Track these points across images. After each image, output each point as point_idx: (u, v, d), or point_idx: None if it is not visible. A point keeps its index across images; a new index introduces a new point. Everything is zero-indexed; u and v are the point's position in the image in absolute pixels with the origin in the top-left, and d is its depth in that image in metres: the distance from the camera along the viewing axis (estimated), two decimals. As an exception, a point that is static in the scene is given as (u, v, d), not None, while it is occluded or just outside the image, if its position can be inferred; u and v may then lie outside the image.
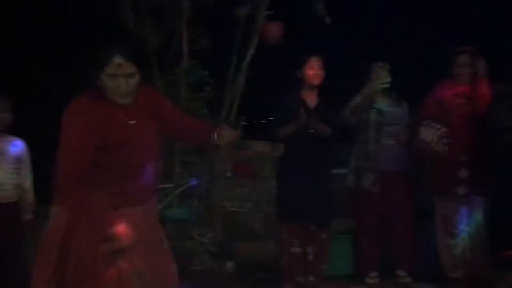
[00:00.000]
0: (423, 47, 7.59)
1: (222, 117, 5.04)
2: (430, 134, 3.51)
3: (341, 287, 3.71)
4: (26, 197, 3.08)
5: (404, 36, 7.69)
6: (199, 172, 4.84)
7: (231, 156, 4.84)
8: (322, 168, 3.57)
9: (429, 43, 7.34)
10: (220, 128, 2.20)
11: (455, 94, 3.64)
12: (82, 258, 1.95)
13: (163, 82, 4.63)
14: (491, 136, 3.68)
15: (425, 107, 3.69)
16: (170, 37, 4.86)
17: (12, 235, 3.01)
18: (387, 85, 3.72)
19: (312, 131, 3.45)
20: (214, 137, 2.17)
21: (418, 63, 7.60)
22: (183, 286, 3.62)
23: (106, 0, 4.63)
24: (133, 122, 2.02)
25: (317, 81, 3.56)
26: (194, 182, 4.63)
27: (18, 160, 3.04)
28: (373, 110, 3.79)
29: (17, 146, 3.06)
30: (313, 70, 3.54)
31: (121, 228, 1.93)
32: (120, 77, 1.93)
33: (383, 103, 3.85)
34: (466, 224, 3.62)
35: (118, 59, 1.91)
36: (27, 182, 3.09)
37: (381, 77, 3.67)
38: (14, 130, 3.11)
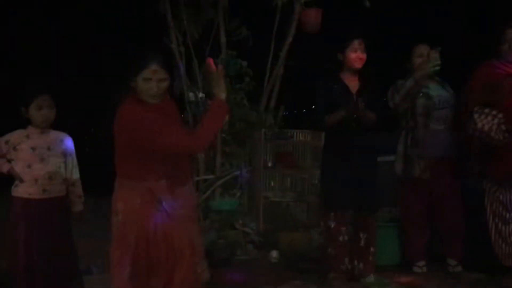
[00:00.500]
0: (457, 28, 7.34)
1: (261, 107, 5.04)
2: (487, 122, 3.30)
3: (389, 277, 3.63)
4: (74, 190, 3.16)
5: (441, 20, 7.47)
6: (241, 163, 4.85)
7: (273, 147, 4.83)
8: (367, 155, 3.48)
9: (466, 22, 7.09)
10: None
11: (509, 74, 3.40)
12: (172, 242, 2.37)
13: (202, 74, 4.65)
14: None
15: (472, 91, 3.47)
16: (208, 28, 4.87)
17: (62, 228, 3.09)
18: (438, 68, 3.57)
19: (355, 116, 3.37)
20: None
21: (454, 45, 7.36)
22: (228, 276, 3.67)
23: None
24: (167, 120, 2.38)
25: (359, 64, 3.47)
26: (239, 173, 4.65)
27: (65, 154, 3.11)
28: (421, 94, 3.67)
29: (64, 141, 3.13)
30: (356, 53, 3.45)
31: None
32: (153, 81, 2.34)
33: (430, 87, 3.73)
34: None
35: (154, 66, 2.33)
36: (75, 175, 3.16)
37: (433, 59, 3.54)
38: (59, 126, 3.18)
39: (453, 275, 3.67)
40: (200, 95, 4.55)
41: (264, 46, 4.98)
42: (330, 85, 3.48)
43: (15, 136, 3.02)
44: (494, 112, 3.29)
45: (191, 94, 4.62)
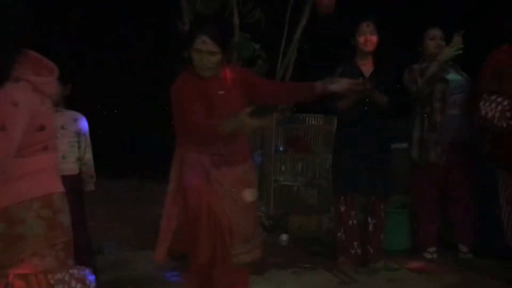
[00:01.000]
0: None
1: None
2: (490, 109, 3.27)
3: (398, 262, 3.63)
4: (86, 169, 3.18)
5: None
6: (252, 147, 4.84)
7: (284, 131, 4.81)
8: (379, 140, 3.46)
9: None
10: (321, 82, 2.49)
11: None
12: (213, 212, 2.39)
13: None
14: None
15: (482, 78, 3.43)
16: (221, 10, 4.83)
17: (75, 207, 3.11)
18: (460, 52, 3.52)
19: (367, 99, 3.34)
20: (326, 86, 2.47)
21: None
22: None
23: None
24: (222, 92, 2.40)
25: (369, 47, 3.42)
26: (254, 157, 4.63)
27: (78, 133, 3.13)
28: None
29: (77, 120, 3.14)
30: (365, 36, 3.41)
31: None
32: (203, 53, 2.34)
33: (448, 72, 3.69)
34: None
35: (204, 37, 2.33)
36: (88, 155, 3.18)
37: (456, 43, 3.48)
38: (73, 105, 3.20)
39: (463, 262, 3.65)
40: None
41: (277, 29, 4.94)
42: (343, 71, 3.45)
43: None
44: (499, 99, 3.24)
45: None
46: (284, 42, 4.92)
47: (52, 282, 1.59)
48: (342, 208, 3.50)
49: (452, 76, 3.72)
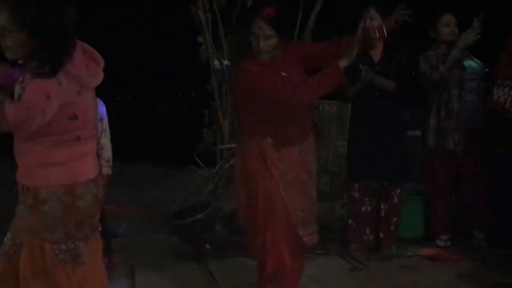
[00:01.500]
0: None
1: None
2: (503, 94, 3.25)
3: (411, 249, 3.62)
4: (103, 153, 3.20)
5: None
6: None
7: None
8: (393, 126, 3.45)
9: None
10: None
11: None
12: (269, 192, 2.45)
13: (228, 41, 4.61)
14: None
15: (499, 64, 3.41)
16: (235, -4, 4.79)
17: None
18: (479, 37, 3.47)
19: (375, 85, 3.35)
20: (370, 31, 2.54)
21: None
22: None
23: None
24: (284, 74, 2.44)
25: (374, 34, 3.39)
26: None
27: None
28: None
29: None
30: (370, 22, 3.37)
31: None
32: (260, 37, 2.43)
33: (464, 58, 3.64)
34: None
35: (259, 22, 2.43)
36: (105, 139, 3.20)
37: (476, 28, 3.44)
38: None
39: (477, 249, 3.64)
40: (226, 62, 4.51)
41: (291, 14, 4.89)
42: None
43: None
44: None
45: (216, 62, 4.58)
46: (298, 27, 4.88)
47: (56, 252, 1.75)
48: (356, 195, 3.50)
49: (467, 62, 3.67)
